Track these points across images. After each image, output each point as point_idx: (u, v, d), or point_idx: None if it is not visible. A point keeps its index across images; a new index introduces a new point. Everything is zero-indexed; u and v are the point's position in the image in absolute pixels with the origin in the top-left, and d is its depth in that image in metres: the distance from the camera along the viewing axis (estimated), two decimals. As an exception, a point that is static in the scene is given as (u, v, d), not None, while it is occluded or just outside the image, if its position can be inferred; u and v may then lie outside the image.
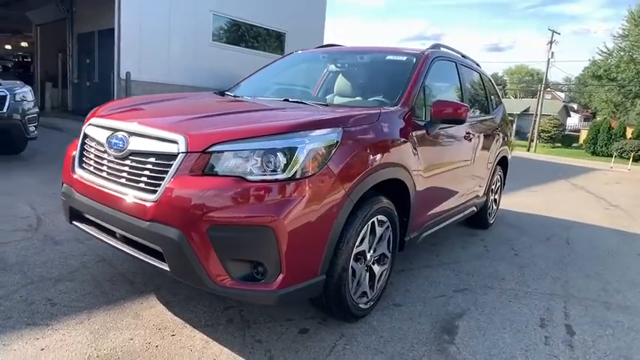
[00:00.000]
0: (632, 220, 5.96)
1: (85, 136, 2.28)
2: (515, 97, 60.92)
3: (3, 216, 3.51)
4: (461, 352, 2.18)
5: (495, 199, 4.69)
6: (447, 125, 2.94)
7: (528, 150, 32.34)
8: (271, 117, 2.23)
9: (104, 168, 2.09)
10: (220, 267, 1.79)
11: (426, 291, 2.86)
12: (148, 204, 1.84)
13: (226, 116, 2.23)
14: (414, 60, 3.01)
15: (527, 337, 2.39)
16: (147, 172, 1.90)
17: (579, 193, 8.37)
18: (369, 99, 2.95)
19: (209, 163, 1.81)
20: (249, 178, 1.78)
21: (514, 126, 43.78)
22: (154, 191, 1.84)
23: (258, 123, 2.05)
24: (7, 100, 5.05)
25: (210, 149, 1.81)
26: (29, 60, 18.23)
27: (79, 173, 2.23)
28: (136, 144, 1.98)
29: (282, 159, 1.81)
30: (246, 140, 1.84)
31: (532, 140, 32.51)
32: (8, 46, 23.09)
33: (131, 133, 2.02)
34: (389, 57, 3.21)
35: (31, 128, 5.36)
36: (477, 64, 4.52)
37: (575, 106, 60.26)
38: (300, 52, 3.78)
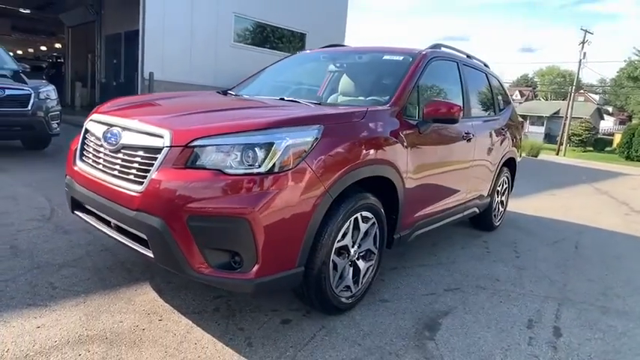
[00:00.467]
0: (650, 226, 5.79)
1: (86, 131, 2.43)
2: (546, 99, 59.38)
3: (21, 206, 3.73)
4: (439, 348, 2.21)
5: (502, 201, 4.64)
6: (441, 125, 2.96)
7: (557, 154, 31.50)
8: (255, 114, 2.32)
9: (100, 161, 2.23)
10: (200, 255, 1.88)
11: (415, 289, 2.89)
12: (135, 194, 1.96)
13: (214, 113, 2.33)
14: (410, 60, 3.04)
15: (511, 337, 2.39)
16: (136, 165, 2.02)
17: (601, 198, 8.15)
18: (367, 98, 2.99)
19: (191, 156, 1.91)
20: (228, 171, 1.87)
21: (544, 129, 42.74)
22: (141, 182, 1.95)
23: (240, 120, 2.13)
24: (32, 98, 5.33)
25: (192, 143, 1.91)
26: (62, 61, 18.98)
27: (80, 165, 2.38)
28: (127, 138, 2.10)
29: (260, 154, 1.90)
30: (227, 135, 1.93)
31: (561, 144, 31.60)
32: (44, 48, 24.12)
33: (124, 128, 2.14)
34: (386, 57, 3.26)
35: (54, 125, 5.64)
36: (485, 65, 4.51)
37: (610, 109, 58.27)
38: (303, 52, 3.86)
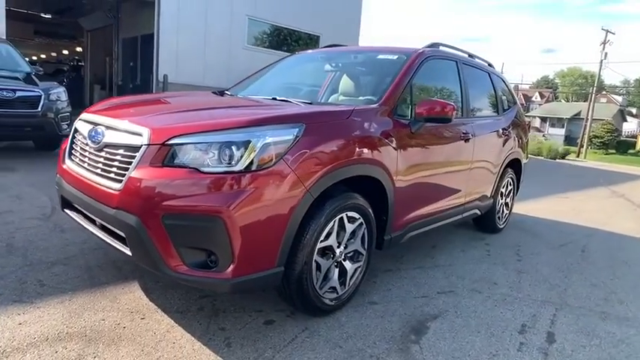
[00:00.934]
0: (666, 231, 5.58)
1: (75, 130, 2.46)
2: (567, 101, 58.16)
3: (24, 205, 3.81)
4: (423, 352, 2.15)
5: (507, 203, 4.54)
6: (435, 125, 2.91)
7: (578, 156, 30.79)
8: (236, 113, 2.30)
9: (86, 159, 2.25)
10: (176, 254, 1.88)
11: (407, 291, 2.83)
12: (115, 192, 1.96)
13: (197, 112, 2.33)
14: (404, 59, 2.99)
15: (500, 342, 2.32)
16: (117, 163, 2.03)
17: (616, 201, 7.91)
18: (363, 97, 2.96)
19: (168, 154, 1.90)
20: (203, 169, 1.86)
21: (564, 131, 41.82)
22: (120, 181, 1.96)
23: (220, 118, 2.12)
24: (42, 99, 5.44)
25: (169, 142, 1.90)
26: (82, 64, 19.42)
27: (68, 164, 2.41)
28: (109, 137, 2.11)
29: (236, 152, 1.88)
30: (204, 134, 1.93)
31: (582, 146, 30.86)
32: (65, 51, 24.74)
33: (108, 127, 2.16)
34: (380, 56, 3.22)
35: (64, 126, 5.75)
36: (490, 65, 4.42)
37: (633, 111, 56.71)
38: (301, 52, 3.85)
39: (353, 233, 2.43)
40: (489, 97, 4.11)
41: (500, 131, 4.07)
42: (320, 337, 2.18)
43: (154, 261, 1.90)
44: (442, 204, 3.24)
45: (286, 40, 14.29)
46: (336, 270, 2.38)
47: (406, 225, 2.88)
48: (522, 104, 63.60)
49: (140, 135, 1.96)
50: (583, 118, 34.41)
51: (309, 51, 4.06)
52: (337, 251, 2.35)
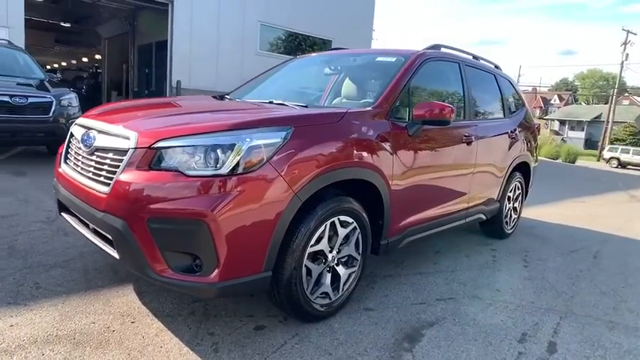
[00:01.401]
0: (685, 237, 5.37)
1: (71, 134, 2.48)
2: (588, 104, 56.97)
3: (30, 209, 3.87)
4: (415, 360, 2.10)
5: (515, 208, 4.43)
6: (434, 127, 2.85)
7: (598, 160, 30.08)
8: (225, 117, 2.29)
9: (79, 163, 2.26)
10: (161, 258, 1.87)
11: (405, 298, 2.77)
12: (103, 195, 1.97)
13: (188, 116, 2.33)
14: (402, 61, 2.95)
15: (498, 351, 2.24)
16: (106, 167, 2.04)
17: (635, 206, 7.68)
18: (362, 100, 2.93)
19: (154, 158, 1.90)
20: (189, 172, 1.85)
21: (584, 134, 40.90)
22: (108, 184, 1.97)
23: (208, 121, 2.12)
24: (53, 105, 5.55)
25: (155, 145, 1.90)
26: (100, 71, 19.84)
27: (64, 168, 2.43)
28: (100, 140, 2.13)
29: (221, 155, 1.87)
30: (190, 137, 1.92)
31: (602, 149, 30.13)
32: (85, 59, 25.31)
33: (99, 131, 2.17)
34: (379, 58, 3.18)
35: (75, 131, 5.84)
36: (496, 67, 4.34)
37: (657, 113, 55.12)
38: (302, 56, 3.84)
39: (346, 238, 2.39)
40: (495, 100, 4.02)
41: (507, 134, 3.98)
42: (310, 344, 2.15)
43: (140, 264, 1.89)
44: (442, 208, 3.17)
45: (301, 45, 14.35)
46: (329, 275, 2.34)
47: (404, 230, 2.82)
48: (541, 107, 62.54)
49: (128, 138, 1.96)
50: (604, 121, 33.63)
51: (313, 54, 4.04)
52: (329, 256, 2.31)
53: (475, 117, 3.57)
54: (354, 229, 2.42)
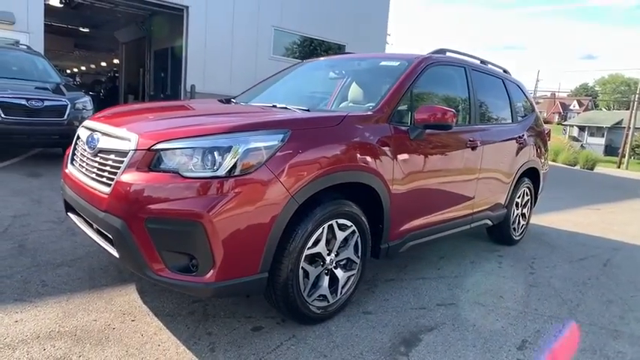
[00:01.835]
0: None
1: (78, 136, 2.55)
2: (608, 109, 55.87)
3: (42, 209, 3.97)
4: (411, 364, 2.09)
5: (523, 214, 4.37)
6: (436, 131, 2.85)
7: (619, 167, 29.43)
8: (225, 120, 2.33)
9: (84, 164, 2.33)
10: (158, 257, 1.91)
11: (405, 302, 2.76)
12: (104, 196, 2.02)
13: (189, 118, 2.38)
14: (405, 65, 2.96)
15: (496, 358, 2.22)
16: (108, 168, 2.09)
17: (652, 214, 7.48)
18: (366, 104, 2.94)
19: (154, 159, 1.95)
20: (185, 174, 1.89)
21: (604, 140, 40.09)
22: (110, 185, 2.02)
23: (207, 124, 2.16)
24: (68, 108, 5.70)
25: (155, 147, 1.95)
26: (118, 75, 20.23)
27: (70, 169, 2.50)
28: (103, 142, 2.18)
29: (218, 157, 1.90)
30: (188, 139, 1.96)
31: (623, 156, 29.49)
32: (104, 63, 25.84)
33: (103, 133, 2.23)
34: (382, 63, 3.19)
35: (89, 134, 5.98)
36: (505, 71, 4.31)
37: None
38: (308, 60, 3.87)
39: (345, 241, 2.40)
40: (502, 104, 3.99)
41: (515, 139, 3.94)
42: (306, 346, 2.16)
43: (138, 264, 1.93)
44: (446, 213, 3.16)
45: (315, 50, 14.42)
46: (327, 278, 2.35)
47: (405, 234, 2.81)
48: (559, 113, 61.54)
49: (129, 140, 2.02)
50: (624, 127, 32.91)
51: (320, 58, 4.07)
52: (327, 259, 2.32)
53: (481, 122, 3.55)
54: (353, 232, 2.43)
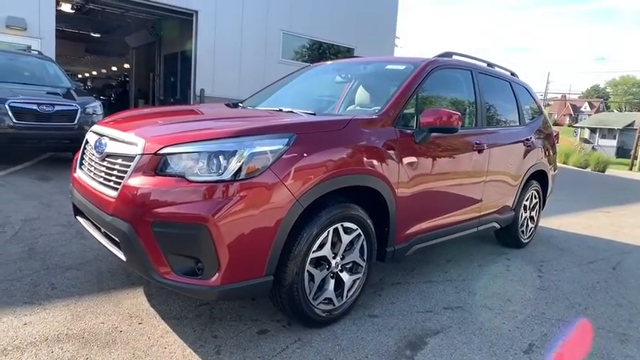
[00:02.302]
0: None
1: (86, 141, 2.59)
2: (620, 111, 55.22)
3: (52, 212, 4.03)
4: (416, 368, 2.09)
5: (532, 217, 4.34)
6: (442, 135, 2.84)
7: (630, 169, 29.02)
8: (231, 124, 2.34)
9: (92, 169, 2.36)
10: (164, 261, 1.93)
11: (412, 305, 2.76)
12: (111, 199, 2.05)
13: (195, 123, 2.40)
14: (411, 69, 2.96)
15: (502, 361, 2.21)
16: (115, 172, 2.12)
17: (665, 217, 7.37)
18: (372, 107, 2.94)
19: (160, 163, 1.97)
20: (190, 178, 1.91)
21: (616, 142, 39.59)
22: (117, 189, 2.05)
23: (212, 129, 2.18)
24: (78, 113, 5.79)
25: (161, 151, 1.97)
26: (128, 79, 20.46)
27: (78, 173, 2.54)
28: (111, 147, 2.22)
29: (223, 162, 1.92)
30: (194, 144, 1.98)
31: (635, 158, 29.06)
32: (114, 68, 26.17)
33: (111, 138, 2.26)
34: (389, 66, 3.20)
35: (99, 138, 6.06)
36: (513, 74, 4.30)
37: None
38: (314, 64, 3.89)
39: (350, 244, 2.41)
40: (509, 107, 3.97)
41: (522, 142, 3.92)
42: (311, 349, 2.16)
43: (144, 267, 1.96)
44: (452, 216, 3.14)
45: (325, 54, 14.47)
46: (332, 281, 2.36)
47: (411, 237, 2.81)
48: (570, 115, 60.93)
49: (136, 145, 2.04)
50: (636, 129, 32.46)
51: (327, 62, 4.09)
52: (333, 262, 2.33)
53: (488, 124, 3.53)
54: (359, 235, 2.43)
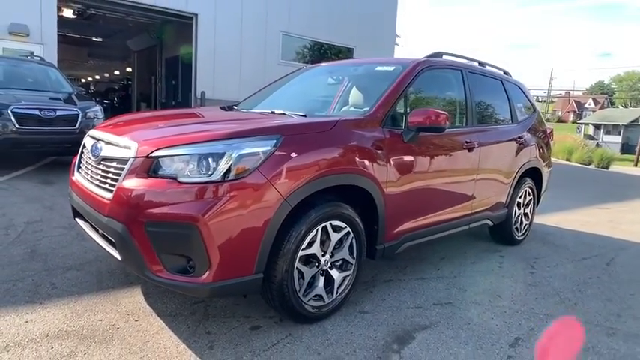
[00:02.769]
0: None
1: (84, 145, 2.68)
2: (625, 106, 54.91)
3: (54, 215, 4.13)
4: (402, 361, 2.15)
5: (526, 214, 4.39)
6: (431, 134, 2.90)
7: (635, 165, 28.87)
8: (219, 127, 2.42)
9: (89, 172, 2.45)
10: (158, 259, 2.01)
11: (402, 301, 2.82)
12: (107, 201, 2.13)
13: (187, 126, 2.48)
14: (400, 69, 3.02)
15: (487, 354, 2.27)
16: (110, 175, 2.20)
17: (664, 213, 7.38)
18: (362, 108, 3.00)
19: (152, 166, 2.05)
20: (182, 179, 1.99)
21: (620, 138, 39.40)
22: (112, 191, 2.13)
23: (203, 132, 2.25)
24: (79, 117, 5.89)
25: (153, 154, 2.05)
26: (131, 83, 20.63)
27: (76, 177, 2.62)
28: (106, 151, 2.30)
29: (212, 163, 2.00)
30: (184, 146, 2.06)
31: (639, 154, 28.89)
32: (117, 72, 26.36)
33: (106, 142, 2.35)
34: (378, 67, 3.26)
35: (100, 141, 6.16)
36: (505, 72, 4.35)
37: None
38: (308, 66, 3.96)
39: (340, 242, 2.48)
40: (501, 106, 4.02)
41: (514, 140, 3.97)
42: (301, 343, 2.23)
43: (139, 265, 2.04)
44: (443, 214, 3.21)
45: (326, 54, 14.54)
46: (322, 278, 2.43)
47: (401, 235, 2.87)
48: (574, 111, 60.66)
49: (129, 148, 2.13)
50: (640, 125, 32.30)
51: (322, 64, 4.16)
52: (322, 259, 2.40)
53: (479, 123, 3.59)
54: (348, 233, 2.50)
